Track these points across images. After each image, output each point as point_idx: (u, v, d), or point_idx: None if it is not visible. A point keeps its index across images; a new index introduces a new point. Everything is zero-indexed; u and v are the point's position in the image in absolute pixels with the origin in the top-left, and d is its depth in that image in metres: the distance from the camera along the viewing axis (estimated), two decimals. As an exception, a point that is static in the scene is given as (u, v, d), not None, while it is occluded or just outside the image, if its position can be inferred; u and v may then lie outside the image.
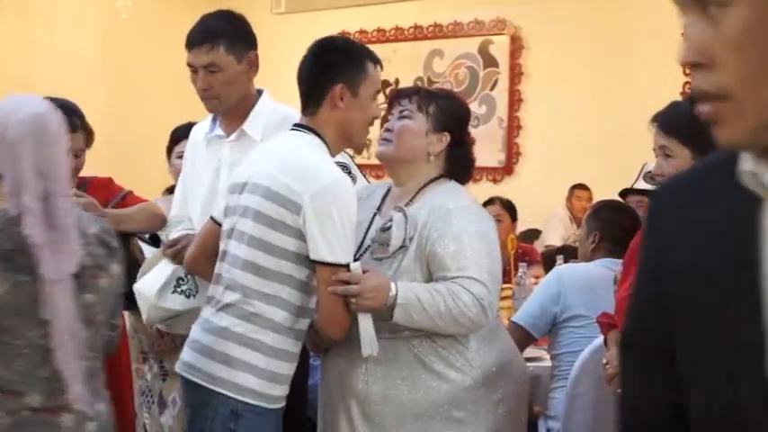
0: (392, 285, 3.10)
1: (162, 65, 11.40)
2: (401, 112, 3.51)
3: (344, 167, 4.65)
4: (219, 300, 3.23)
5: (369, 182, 4.56)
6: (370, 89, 3.25)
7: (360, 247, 3.35)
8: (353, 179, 4.61)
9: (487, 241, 3.29)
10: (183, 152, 4.52)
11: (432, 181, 3.40)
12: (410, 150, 3.43)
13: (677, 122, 3.00)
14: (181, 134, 4.71)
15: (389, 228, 3.27)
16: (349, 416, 3.29)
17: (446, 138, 3.41)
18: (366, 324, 3.13)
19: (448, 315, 3.07)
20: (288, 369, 3.20)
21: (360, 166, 10.59)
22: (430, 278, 3.22)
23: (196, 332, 3.29)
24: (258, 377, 3.10)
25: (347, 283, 3.08)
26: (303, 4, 12.43)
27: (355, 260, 3.23)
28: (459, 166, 3.47)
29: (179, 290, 3.80)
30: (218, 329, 3.15)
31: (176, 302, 3.80)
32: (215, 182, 3.86)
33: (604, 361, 3.16)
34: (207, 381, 3.14)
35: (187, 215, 4.00)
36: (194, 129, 4.12)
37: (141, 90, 10.23)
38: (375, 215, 3.46)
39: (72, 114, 4.13)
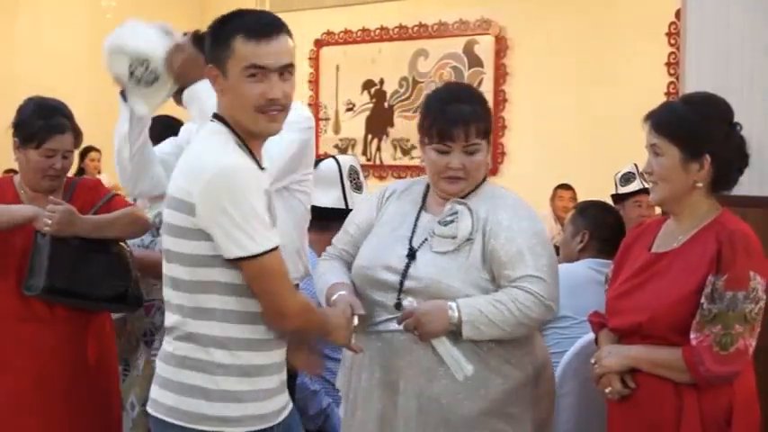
0: (452, 304, 3.07)
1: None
2: (469, 146, 3.32)
3: (356, 172, 4.68)
4: (167, 325, 3.08)
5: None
6: (237, 66, 3.00)
7: (410, 240, 3.31)
8: (359, 186, 4.63)
9: (542, 237, 3.30)
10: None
11: (477, 186, 3.34)
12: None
13: (668, 122, 2.99)
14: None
15: (452, 221, 3.25)
16: (408, 413, 3.23)
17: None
18: (444, 349, 3.10)
19: (514, 321, 3.06)
20: (254, 384, 2.97)
21: (404, 167, 10.67)
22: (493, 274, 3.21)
23: (157, 365, 3.10)
24: (210, 400, 2.92)
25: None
26: (287, 5, 12.43)
27: (411, 254, 3.26)
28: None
29: None
30: (168, 356, 3.00)
31: None
32: None
33: (593, 360, 3.11)
34: (164, 413, 2.98)
35: None
36: (184, 127, 4.14)
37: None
38: (421, 209, 3.41)
39: (60, 115, 4.14)
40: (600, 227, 4.57)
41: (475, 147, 3.28)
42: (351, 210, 4.36)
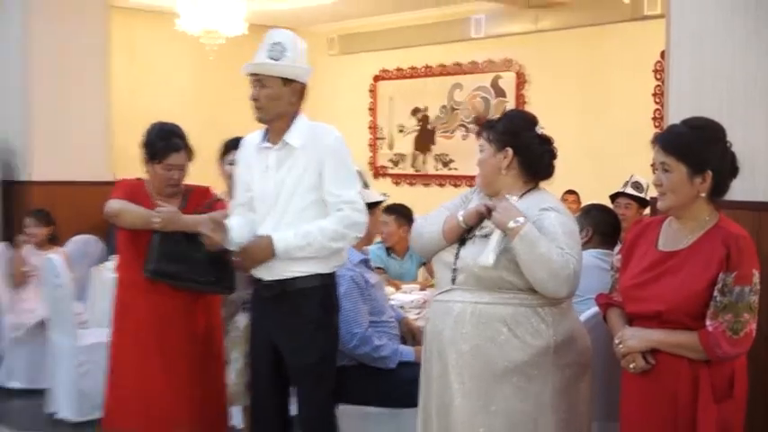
0: (522, 218, 3.08)
1: (238, 95, 11.45)
2: (483, 148, 3.41)
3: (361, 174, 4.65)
4: None
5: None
6: None
7: (471, 230, 3.29)
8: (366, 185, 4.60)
9: (574, 232, 3.29)
10: (233, 160, 4.47)
11: (526, 192, 3.34)
12: (488, 176, 3.38)
13: (677, 144, 2.99)
14: (231, 145, 4.68)
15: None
16: (446, 365, 3.25)
17: (507, 153, 3.33)
18: (495, 239, 3.11)
19: (554, 265, 3.06)
20: None
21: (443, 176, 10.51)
22: None
23: None
24: None
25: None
26: (352, 48, 12.45)
27: (468, 237, 3.27)
28: (533, 166, 3.37)
29: None
30: None
31: None
32: (263, 181, 3.86)
33: (616, 341, 3.09)
34: None
35: (239, 203, 3.99)
36: (246, 138, 4.08)
37: (224, 115, 10.29)
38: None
39: (177, 137, 4.20)
40: (601, 224, 4.61)
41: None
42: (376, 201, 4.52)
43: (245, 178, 3.97)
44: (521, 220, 3.08)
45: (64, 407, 6.03)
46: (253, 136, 3.98)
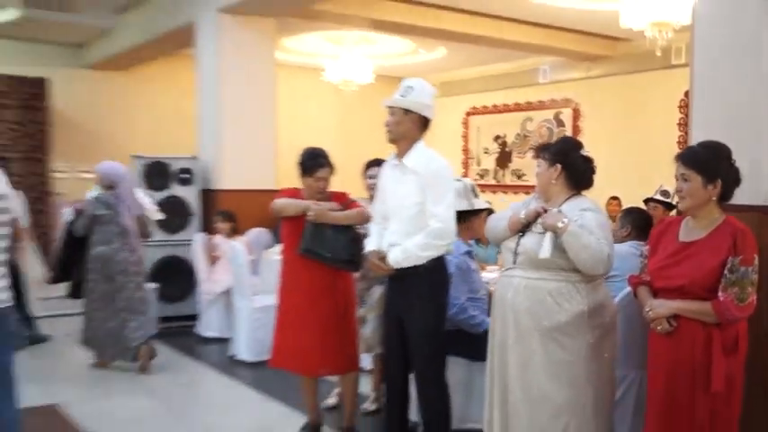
0: (566, 219, 3.12)
1: (367, 127, 11.58)
2: (540, 164, 3.43)
3: (474, 188, 4.62)
4: None
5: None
6: None
7: (529, 225, 3.29)
8: (477, 195, 4.58)
9: (605, 225, 3.27)
10: (372, 174, 4.60)
11: (569, 198, 3.32)
12: (543, 185, 3.40)
13: (694, 160, 2.99)
14: (370, 164, 4.78)
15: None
16: (506, 324, 3.27)
17: (557, 168, 3.33)
18: (548, 238, 3.13)
19: (593, 251, 3.09)
20: None
21: (517, 186, 10.41)
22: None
23: None
24: None
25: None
26: (452, 91, 12.45)
27: (527, 230, 3.27)
28: (577, 179, 3.35)
29: None
30: None
31: None
32: (390, 193, 3.88)
33: (647, 308, 3.07)
34: None
35: (377, 212, 4.00)
36: (385, 163, 4.06)
37: (357, 142, 10.40)
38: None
39: (322, 157, 4.26)
40: (637, 222, 4.53)
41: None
42: (476, 209, 4.44)
43: (382, 192, 3.98)
44: (565, 220, 3.12)
45: (243, 351, 6.18)
46: (389, 159, 3.97)
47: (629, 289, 3.58)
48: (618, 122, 10.54)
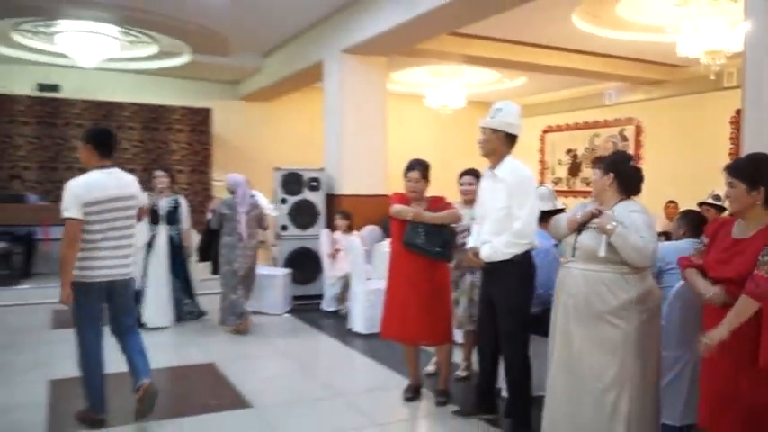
0: (615, 222, 3.02)
1: (461, 144, 11.45)
2: (595, 173, 3.30)
3: (553, 193, 4.47)
4: None
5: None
6: None
7: (585, 224, 3.17)
8: (555, 198, 4.41)
9: (651, 225, 3.12)
10: (464, 182, 4.55)
11: (620, 201, 3.17)
12: (598, 191, 3.26)
13: (737, 169, 2.81)
14: (463, 173, 4.65)
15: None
16: (567, 308, 3.17)
17: (610, 177, 3.19)
18: (604, 238, 3.02)
19: (639, 248, 2.98)
20: None
21: (586, 192, 10.21)
22: None
23: None
24: None
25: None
26: (532, 112, 12.19)
27: (584, 228, 3.14)
28: (627, 186, 3.19)
29: None
30: None
31: None
32: (484, 198, 3.82)
33: (704, 292, 2.89)
34: None
35: (478, 214, 3.92)
36: (484, 173, 3.97)
37: (452, 155, 10.30)
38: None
39: (419, 164, 4.21)
40: (692, 223, 4.24)
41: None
42: (559, 209, 4.27)
43: (478, 198, 3.92)
44: (614, 224, 3.01)
45: (358, 324, 6.18)
46: (486, 169, 3.88)
47: (681, 282, 3.41)
48: (675, 137, 10.10)
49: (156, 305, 6.15)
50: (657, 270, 4.03)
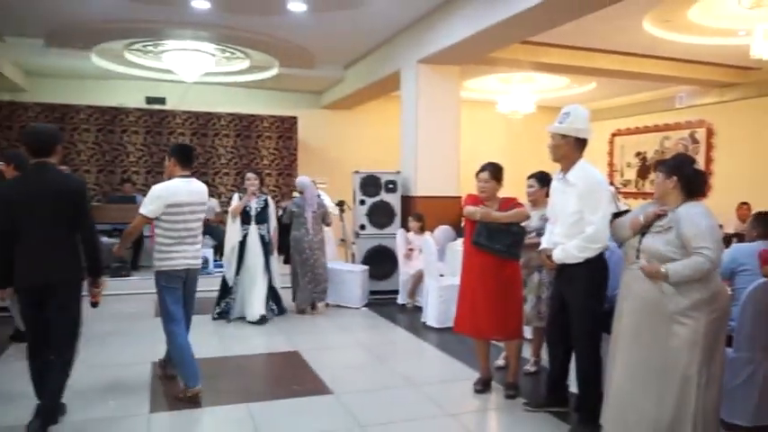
0: (663, 269, 2.93)
1: (531, 147, 11.22)
2: (658, 176, 3.15)
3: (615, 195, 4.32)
4: None
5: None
6: None
7: (649, 226, 3.05)
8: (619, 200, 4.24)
9: (713, 228, 2.95)
10: (530, 184, 4.45)
11: (683, 203, 3.03)
12: (661, 193, 3.11)
13: None
14: (530, 177, 4.53)
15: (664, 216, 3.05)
16: (635, 310, 3.06)
17: (674, 180, 3.05)
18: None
19: (699, 269, 2.87)
20: None
21: (649, 193, 9.74)
22: (682, 247, 2.95)
23: None
24: None
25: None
26: (601, 116, 11.80)
27: (647, 231, 3.02)
28: (691, 188, 3.05)
29: None
30: None
31: None
32: (555, 203, 3.72)
33: None
34: None
35: (552, 218, 3.83)
36: (555, 176, 3.88)
37: (522, 159, 10.10)
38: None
39: (491, 165, 4.14)
40: (766, 225, 3.97)
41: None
42: (623, 210, 4.10)
43: (550, 201, 3.83)
44: (663, 269, 2.92)
45: (431, 318, 6.14)
46: (556, 174, 3.77)
47: (759, 281, 3.21)
48: (748, 139, 9.53)
49: (259, 301, 6.11)
50: (729, 272, 3.81)
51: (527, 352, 4.68)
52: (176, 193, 3.92)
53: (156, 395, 4.07)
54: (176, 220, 3.92)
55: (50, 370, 3.36)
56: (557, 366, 3.80)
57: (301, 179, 6.72)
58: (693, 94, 10.37)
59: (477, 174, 4.15)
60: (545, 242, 3.76)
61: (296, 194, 6.72)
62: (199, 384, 3.94)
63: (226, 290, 6.23)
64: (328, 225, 6.81)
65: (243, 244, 6.14)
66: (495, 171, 4.13)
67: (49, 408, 3.37)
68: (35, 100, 9.83)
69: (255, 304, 6.10)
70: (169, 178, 4.03)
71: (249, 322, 6.07)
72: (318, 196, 6.66)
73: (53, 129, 3.49)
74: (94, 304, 3.52)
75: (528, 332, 4.66)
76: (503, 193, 4.21)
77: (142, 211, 3.89)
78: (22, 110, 9.55)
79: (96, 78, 10.27)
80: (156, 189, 3.92)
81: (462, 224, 4.77)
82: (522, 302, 4.26)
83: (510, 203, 4.13)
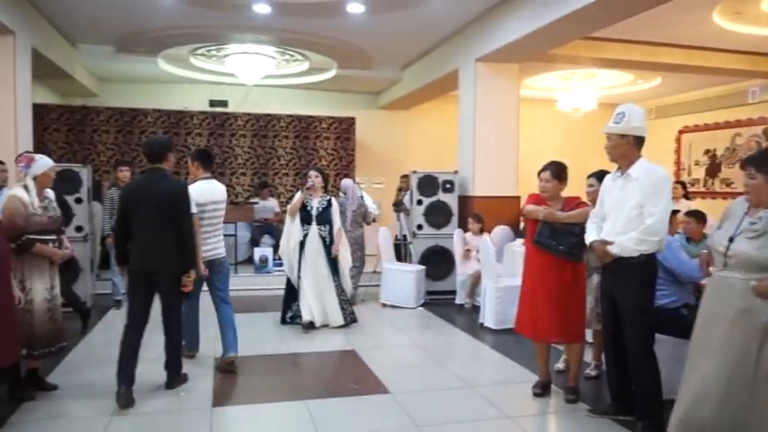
0: (753, 282, 2.77)
1: (591, 145, 10.94)
2: (748, 175, 2.94)
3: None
4: None
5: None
6: None
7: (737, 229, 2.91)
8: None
9: None
10: (591, 183, 4.30)
11: None
12: (761, 193, 2.89)
13: None
14: (591, 175, 4.39)
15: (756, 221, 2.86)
16: (719, 318, 2.89)
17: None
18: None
19: None
20: None
21: (725, 193, 9.41)
22: None
23: None
24: None
25: None
26: (666, 113, 11.40)
27: (732, 239, 2.86)
28: None
29: None
30: None
31: None
32: (611, 200, 3.61)
33: None
34: None
35: (596, 214, 3.74)
36: (608, 175, 3.80)
37: (583, 157, 9.88)
38: (744, 216, 2.94)
39: (551, 164, 4.07)
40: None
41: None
42: (673, 210, 3.93)
43: (602, 199, 3.73)
44: (752, 283, 2.75)
45: (488, 319, 6.07)
46: (612, 173, 3.70)
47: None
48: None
49: (327, 306, 5.96)
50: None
51: (588, 356, 4.56)
52: (202, 194, 4.48)
53: (217, 389, 4.19)
54: (202, 217, 4.45)
55: (135, 351, 3.95)
56: (617, 372, 3.68)
57: (345, 182, 7.24)
58: (767, 89, 9.90)
59: (539, 173, 4.08)
60: (591, 236, 3.65)
61: (342, 195, 7.07)
62: (197, 350, 4.82)
63: (291, 293, 6.07)
64: (368, 224, 7.13)
65: (303, 244, 5.97)
66: (557, 170, 4.04)
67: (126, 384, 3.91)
68: (106, 104, 10.28)
69: (330, 312, 5.95)
70: (194, 180, 4.61)
71: (323, 326, 5.91)
72: (361, 197, 7.07)
73: (165, 139, 4.40)
74: (185, 294, 4.08)
75: (589, 335, 4.53)
76: (564, 192, 4.12)
77: (192, 211, 4.23)
78: (93, 114, 9.98)
79: (162, 82, 10.65)
80: (189, 189, 4.25)
81: (522, 224, 4.69)
82: (585, 305, 4.15)
83: (573, 203, 4.04)
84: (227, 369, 4.49)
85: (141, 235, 3.92)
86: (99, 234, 7.16)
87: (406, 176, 8.86)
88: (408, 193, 8.30)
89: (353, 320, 6.08)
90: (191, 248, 4.00)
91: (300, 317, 5.89)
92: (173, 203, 3.92)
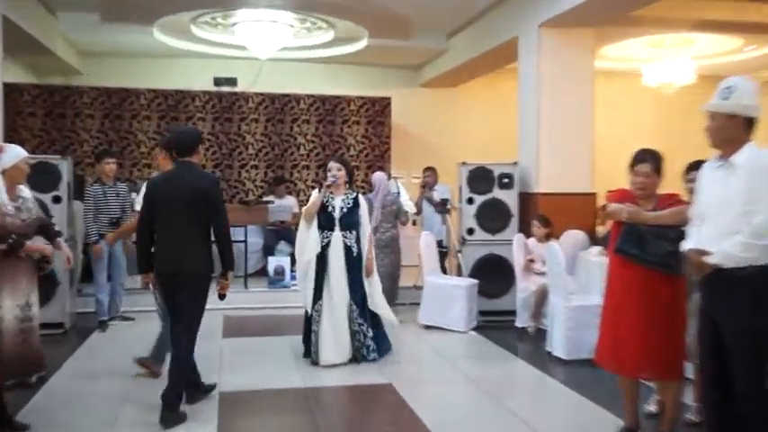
0: None
1: (689, 128, 10.69)
2: None
3: None
4: None
5: None
6: None
7: None
8: None
9: None
10: (691, 178, 4.12)
11: None
12: None
13: None
14: (691, 167, 4.27)
15: None
16: None
17: None
18: None
19: None
20: None
21: None
22: None
23: None
24: None
25: None
26: None
27: None
28: None
29: None
30: None
31: None
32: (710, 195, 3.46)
33: None
34: None
35: (695, 215, 3.57)
36: (705, 164, 3.62)
37: (677, 143, 9.67)
38: None
39: (649, 154, 3.98)
40: None
41: None
42: None
43: (698, 195, 3.58)
44: None
45: (558, 347, 5.95)
46: (710, 161, 3.54)
47: None
48: None
49: (332, 338, 5.58)
50: None
51: (689, 396, 4.41)
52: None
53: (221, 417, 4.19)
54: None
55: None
56: (720, 424, 3.46)
57: (376, 175, 7.34)
58: None
59: (633, 165, 3.97)
60: (690, 244, 3.49)
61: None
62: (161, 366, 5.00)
63: (307, 321, 5.73)
64: (403, 224, 7.24)
65: (323, 257, 5.58)
66: (658, 162, 3.95)
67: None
68: (90, 83, 10.44)
69: (334, 345, 5.57)
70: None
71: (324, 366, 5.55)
72: (397, 194, 7.28)
73: (194, 130, 4.92)
74: (222, 296, 4.38)
75: (690, 370, 4.37)
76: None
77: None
78: (76, 95, 10.14)
79: (158, 57, 10.78)
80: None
81: (602, 228, 4.56)
82: (685, 331, 3.99)
83: (669, 201, 3.93)
84: (142, 364, 5.15)
85: (166, 235, 4.30)
86: (81, 240, 7.24)
87: (429, 169, 8.93)
88: (434, 190, 8.43)
89: (387, 350, 5.92)
90: (229, 248, 4.35)
91: (315, 354, 5.57)
92: (204, 200, 4.25)
